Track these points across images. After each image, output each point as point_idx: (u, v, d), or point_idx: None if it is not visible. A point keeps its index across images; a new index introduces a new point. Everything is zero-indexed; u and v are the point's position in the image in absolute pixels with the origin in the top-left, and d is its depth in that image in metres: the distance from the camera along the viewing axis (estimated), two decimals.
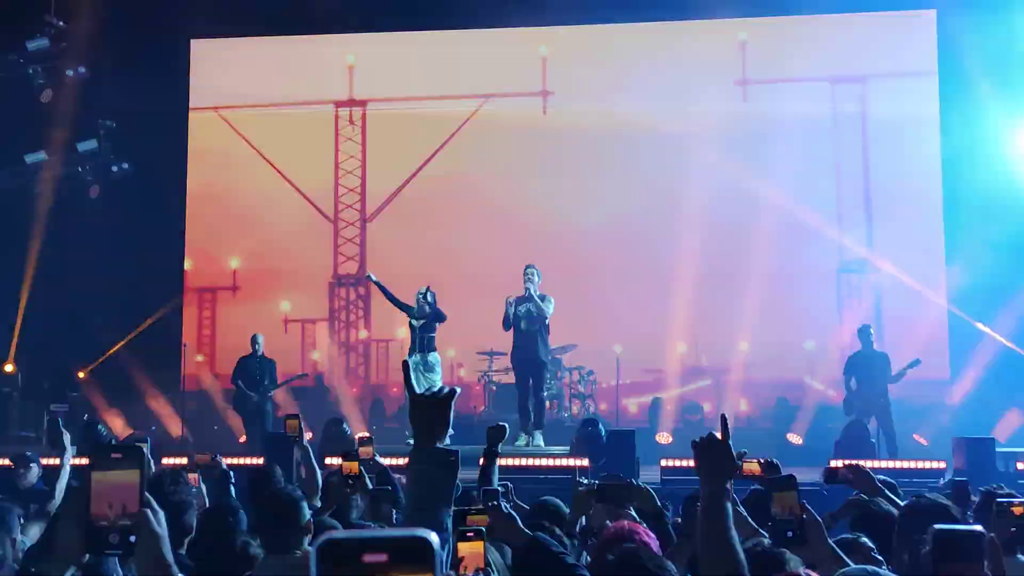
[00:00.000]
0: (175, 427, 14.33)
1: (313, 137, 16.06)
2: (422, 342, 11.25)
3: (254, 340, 12.34)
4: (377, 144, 16.07)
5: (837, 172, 15.24)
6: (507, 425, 5.24)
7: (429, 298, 11.26)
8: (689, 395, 14.86)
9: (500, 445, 4.81)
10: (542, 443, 11.02)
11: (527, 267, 11.04)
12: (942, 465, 9.62)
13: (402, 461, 7.34)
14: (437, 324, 11.22)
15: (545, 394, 11.49)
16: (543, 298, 11.01)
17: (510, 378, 14.45)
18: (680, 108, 15.02)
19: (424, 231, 15.47)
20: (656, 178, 15.03)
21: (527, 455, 10.01)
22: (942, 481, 8.71)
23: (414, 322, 11.29)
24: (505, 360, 14.47)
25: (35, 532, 4.96)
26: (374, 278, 11.31)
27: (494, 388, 14.67)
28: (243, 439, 12.80)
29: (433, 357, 11.25)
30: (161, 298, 15.47)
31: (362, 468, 5.53)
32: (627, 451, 9.50)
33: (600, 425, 10.24)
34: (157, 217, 15.28)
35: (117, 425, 13.91)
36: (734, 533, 2.48)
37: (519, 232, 14.99)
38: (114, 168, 15.40)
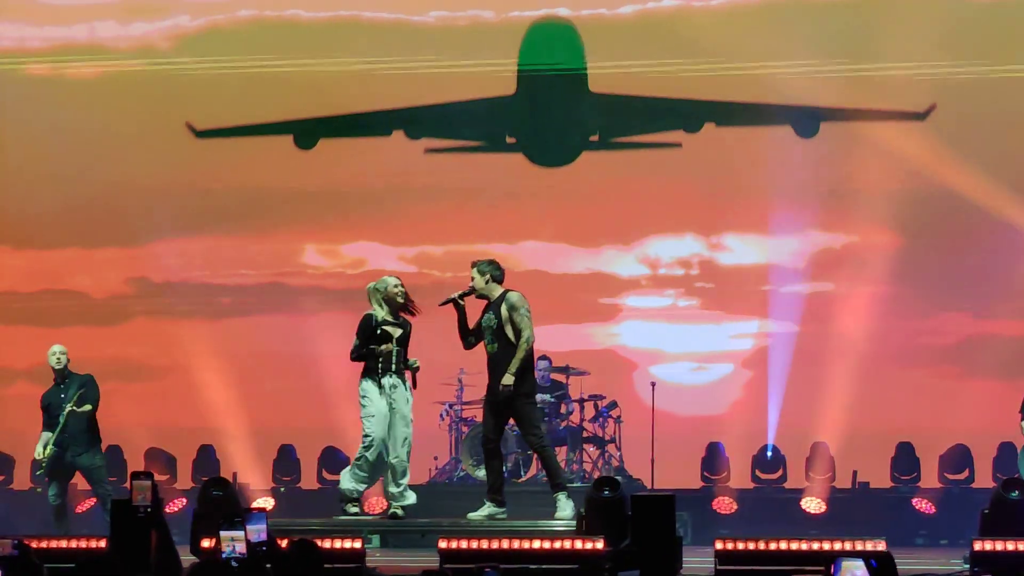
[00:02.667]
0: None
1: None
2: (399, 359, 11.10)
3: (52, 357, 12.11)
4: None
5: None
6: None
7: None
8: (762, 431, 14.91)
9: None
10: (568, 513, 10.76)
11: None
12: None
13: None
14: None
15: (540, 440, 11.16)
16: (503, 302, 10.81)
17: None
18: None
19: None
20: None
21: (503, 534, 9.79)
22: None
23: (391, 328, 11.06)
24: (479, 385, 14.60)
25: None
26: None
27: (464, 430, 14.61)
28: (86, 506, 12.65)
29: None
30: None
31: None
32: (664, 526, 9.38)
33: (622, 487, 10.12)
34: None
35: None
36: None
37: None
38: None
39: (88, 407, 11.86)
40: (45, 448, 11.85)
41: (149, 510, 6.25)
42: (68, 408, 11.77)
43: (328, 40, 15.99)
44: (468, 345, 10.99)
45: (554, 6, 15.88)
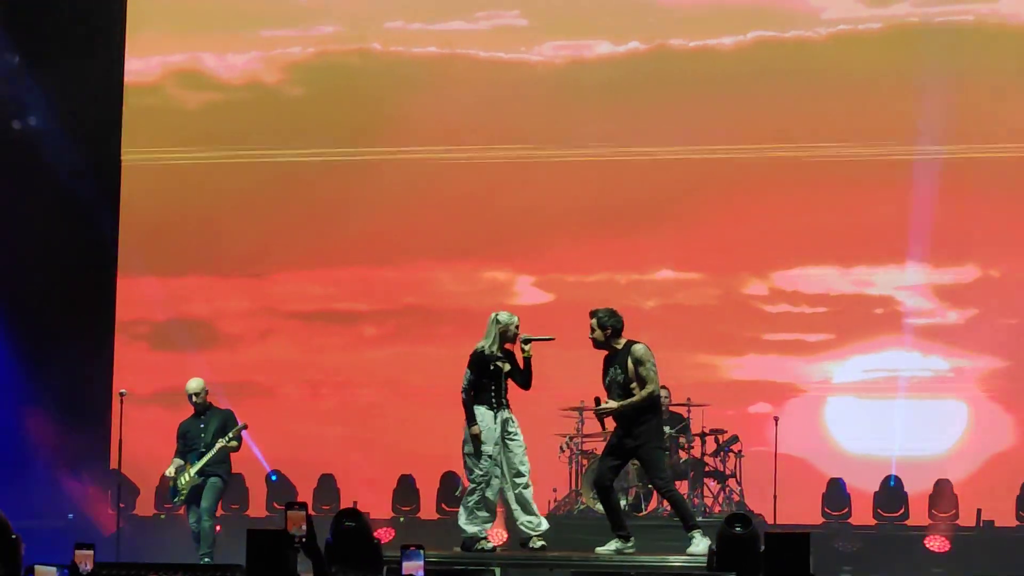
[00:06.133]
0: (107, 518, 14.63)
1: None
2: (502, 392, 11.22)
3: (188, 391, 12.46)
4: None
5: None
6: None
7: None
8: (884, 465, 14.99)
9: None
10: (702, 549, 10.76)
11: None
12: None
13: None
14: None
15: (667, 484, 11.19)
16: (628, 355, 10.85)
17: None
18: None
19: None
20: None
21: (634, 569, 9.78)
22: None
23: (501, 363, 11.15)
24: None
25: None
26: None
27: (584, 463, 14.59)
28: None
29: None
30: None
31: None
32: (798, 565, 9.35)
33: (754, 524, 10.09)
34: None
35: None
36: None
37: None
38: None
39: (235, 443, 12.23)
40: (184, 475, 12.15)
41: (304, 540, 6.34)
42: (220, 444, 12.20)
43: None
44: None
45: None
